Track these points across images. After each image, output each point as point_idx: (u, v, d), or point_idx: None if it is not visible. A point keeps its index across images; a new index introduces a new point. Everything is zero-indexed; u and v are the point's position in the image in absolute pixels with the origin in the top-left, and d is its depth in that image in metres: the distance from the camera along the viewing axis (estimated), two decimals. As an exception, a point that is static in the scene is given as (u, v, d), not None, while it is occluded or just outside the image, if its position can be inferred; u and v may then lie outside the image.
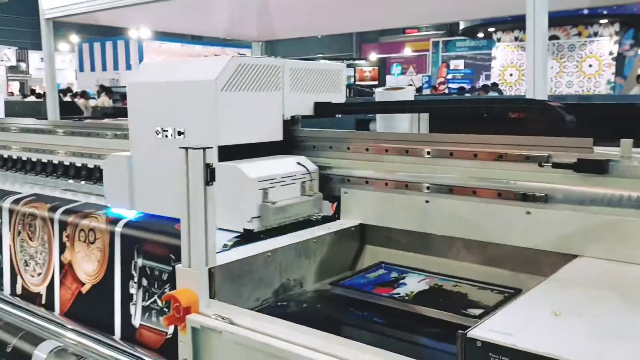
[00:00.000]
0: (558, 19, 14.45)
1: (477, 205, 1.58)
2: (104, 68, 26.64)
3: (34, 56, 30.39)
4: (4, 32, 33.27)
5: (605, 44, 15.37)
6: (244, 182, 1.67)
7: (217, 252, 1.42)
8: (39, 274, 2.22)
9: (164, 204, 1.79)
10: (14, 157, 3.21)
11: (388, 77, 21.82)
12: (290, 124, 1.97)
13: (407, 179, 1.73)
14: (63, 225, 2.09)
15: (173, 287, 1.69)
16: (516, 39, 16.50)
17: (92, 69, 26.80)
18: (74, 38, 28.75)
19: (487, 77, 19.83)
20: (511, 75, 16.58)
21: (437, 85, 18.97)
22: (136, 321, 1.88)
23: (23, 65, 29.75)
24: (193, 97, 1.77)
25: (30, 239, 2.24)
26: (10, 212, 2.31)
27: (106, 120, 4.90)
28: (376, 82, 17.00)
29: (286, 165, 1.83)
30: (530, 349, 0.91)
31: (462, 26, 17.91)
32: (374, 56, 24.04)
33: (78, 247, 2.05)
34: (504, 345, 0.93)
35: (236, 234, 1.72)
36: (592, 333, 0.98)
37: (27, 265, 2.27)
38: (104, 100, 13.95)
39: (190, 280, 1.33)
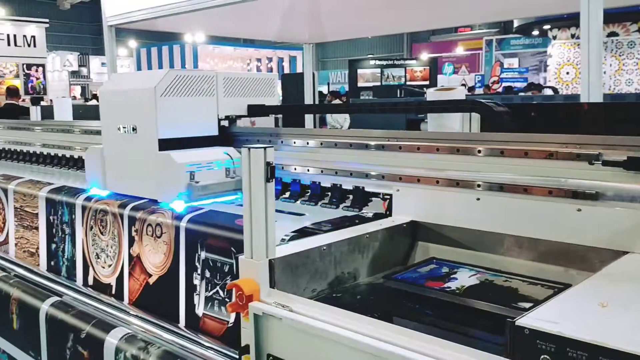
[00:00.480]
0: (616, 15, 13.96)
1: (528, 202, 1.62)
2: (160, 72, 27.48)
3: (94, 61, 31.64)
4: (66, 38, 34.83)
5: (667, 41, 14.77)
6: (174, 166, 2.15)
7: (276, 246, 1.51)
8: (110, 266, 2.38)
9: (128, 184, 2.40)
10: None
11: (440, 77, 21.59)
12: (226, 122, 2.51)
13: (458, 177, 1.78)
14: (132, 221, 2.24)
15: (234, 278, 1.80)
16: (573, 36, 16.03)
17: (150, 73, 27.67)
18: (132, 43, 29.77)
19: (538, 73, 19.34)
20: (567, 73, 16.12)
21: (490, 85, 18.64)
22: (199, 310, 2.00)
23: (84, 70, 30.95)
24: (140, 101, 2.26)
25: (101, 233, 2.41)
26: (84, 208, 2.48)
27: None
28: (427, 82, 16.85)
29: (213, 154, 2.31)
30: (576, 337, 0.95)
31: (516, 24, 17.52)
32: (425, 55, 23.82)
33: (146, 240, 2.19)
34: (551, 333, 0.98)
35: (293, 231, 1.81)
36: (637, 324, 1.01)
37: (98, 258, 2.44)
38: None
39: (252, 271, 1.43)
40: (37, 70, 19.54)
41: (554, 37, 16.54)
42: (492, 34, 25.88)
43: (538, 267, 1.60)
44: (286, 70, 29.79)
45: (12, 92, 8.55)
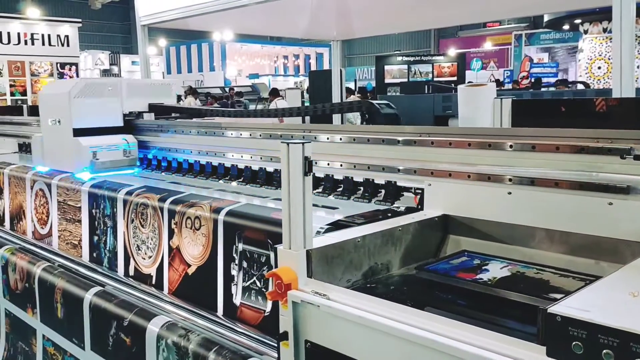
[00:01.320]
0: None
1: (559, 196, 1.64)
2: (190, 70, 27.86)
3: (125, 60, 32.16)
4: (97, 37, 35.46)
5: None
6: (80, 148, 3.06)
7: (313, 237, 1.57)
8: (150, 257, 2.47)
9: (56, 162, 3.28)
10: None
11: (468, 73, 21.39)
12: (128, 116, 3.37)
13: (489, 171, 1.82)
14: (172, 214, 2.33)
15: (270, 269, 1.87)
16: (605, 30, 15.73)
17: (179, 71, 28.09)
18: (162, 42, 30.19)
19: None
20: (599, 68, 15.83)
21: (519, 80, 18.39)
22: (237, 300, 2.08)
23: (115, 69, 31.48)
24: (60, 101, 3.16)
25: (142, 226, 2.50)
26: (125, 202, 2.59)
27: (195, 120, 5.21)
28: (455, 78, 16.73)
29: (114, 140, 3.21)
30: (607, 323, 0.99)
31: (546, 18, 17.26)
32: (452, 51, 23.64)
33: (185, 233, 2.28)
34: (582, 320, 1.01)
35: (327, 223, 1.87)
36: (669, 312, 1.05)
37: (139, 250, 2.54)
38: (190, 101, 14.63)
39: (290, 260, 1.49)
40: (70, 69, 19.97)
41: (585, 32, 16.25)
42: (522, 28, 25.52)
43: (569, 259, 1.63)
44: (312, 67, 29.88)
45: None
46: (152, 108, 3.49)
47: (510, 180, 1.76)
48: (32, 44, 17.97)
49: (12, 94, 17.69)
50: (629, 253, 1.50)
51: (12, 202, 3.55)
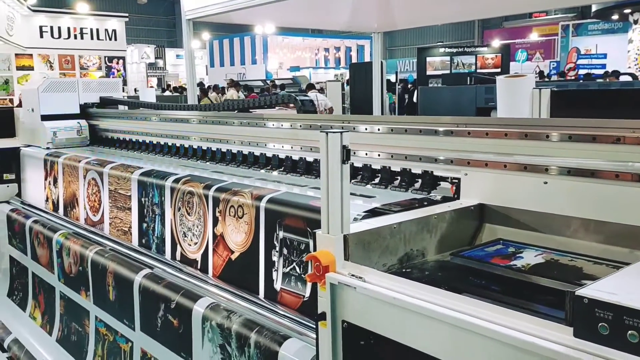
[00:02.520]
0: None
1: (595, 185, 1.66)
2: (232, 63, 28.21)
3: (169, 53, 32.78)
4: (143, 31, 36.27)
5: None
6: (44, 129, 4.28)
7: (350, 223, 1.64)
8: (195, 243, 2.59)
9: (33, 141, 4.51)
10: (169, 143, 3.68)
11: (512, 64, 20.97)
12: (83, 107, 4.64)
13: (526, 161, 1.84)
14: (216, 202, 2.44)
15: (309, 255, 1.95)
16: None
17: (222, 64, 28.49)
18: (205, 35, 30.67)
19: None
20: (650, 58, 15.29)
21: (566, 71, 17.94)
22: (277, 285, 2.17)
23: (160, 62, 32.11)
24: (33, 94, 4.48)
25: (188, 214, 2.62)
26: (172, 190, 2.71)
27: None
28: (499, 70, 16.43)
29: (71, 123, 4.45)
30: (632, 305, 1.02)
31: (594, 8, 16.76)
32: (496, 42, 23.17)
33: (228, 220, 2.38)
34: (609, 302, 1.05)
35: (364, 211, 1.93)
36: (696, 297, 1.07)
37: (185, 236, 2.66)
38: (233, 94, 14.86)
39: (329, 244, 1.56)
40: (117, 63, 20.53)
41: (635, 22, 15.71)
42: (569, 18, 24.82)
43: (603, 248, 1.64)
44: (354, 60, 29.80)
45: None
46: (102, 100, 4.67)
47: (546, 170, 1.78)
48: (82, 38, 18.55)
49: (62, 87, 18.29)
50: (665, 242, 1.51)
51: (65, 190, 3.75)
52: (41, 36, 16.85)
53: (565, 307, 1.12)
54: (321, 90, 17.32)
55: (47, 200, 4.01)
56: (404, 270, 1.70)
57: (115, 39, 20.54)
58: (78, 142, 4.37)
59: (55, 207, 3.88)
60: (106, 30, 19.96)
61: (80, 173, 3.53)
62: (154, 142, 3.85)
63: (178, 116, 3.61)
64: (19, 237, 3.84)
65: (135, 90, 19.32)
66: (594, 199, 1.66)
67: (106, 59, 20.49)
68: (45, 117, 4.30)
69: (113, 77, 20.81)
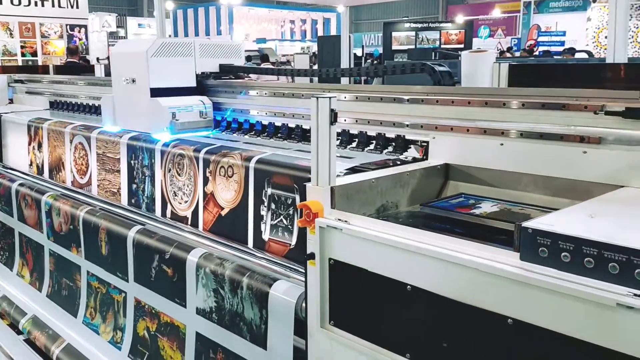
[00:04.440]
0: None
1: (544, 146, 1.95)
2: (197, 33, 27.84)
3: (131, 22, 32.04)
4: (104, -1, 35.29)
5: None
6: (160, 109, 3.03)
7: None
8: (186, 202, 2.81)
9: (130, 122, 3.30)
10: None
11: (475, 40, 21.38)
12: (200, 77, 3.32)
13: (486, 126, 2.12)
14: (206, 163, 2.65)
15: (295, 210, 2.20)
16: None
17: (186, 34, 28.08)
18: (169, 5, 30.08)
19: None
20: (606, 37, 15.89)
21: (527, 48, 18.44)
22: (265, 236, 2.41)
23: (122, 31, 31.37)
24: (138, 60, 3.12)
25: (178, 174, 2.83)
26: (162, 152, 2.91)
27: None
28: (462, 45, 16.82)
29: (191, 100, 3.18)
30: (566, 233, 1.31)
31: (555, -14, 17.22)
32: (460, 18, 23.56)
33: (219, 180, 2.60)
34: (547, 231, 1.33)
35: (346, 169, 2.19)
36: (614, 226, 1.36)
37: (175, 195, 2.87)
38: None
39: (318, 194, 1.81)
40: (79, 31, 20.07)
41: (594, 0, 16.26)
42: (531, -5, 25.34)
43: (549, 199, 1.94)
44: (320, 33, 29.79)
45: (72, 51, 9.06)
46: (223, 69, 3.42)
47: (502, 133, 2.07)
48: (42, 5, 18.05)
49: (22, 55, 17.86)
50: (599, 193, 1.81)
51: (51, 154, 3.88)
52: (0, 2, 16.35)
53: (514, 237, 1.41)
54: (287, 62, 17.47)
55: (30, 164, 4.13)
56: (380, 218, 1.97)
57: (77, 7, 20.02)
58: (202, 126, 3.19)
59: (40, 171, 4.01)
60: (67, -3, 19.45)
61: (67, 138, 3.67)
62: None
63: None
64: (4, 200, 3.96)
65: (97, 59, 18.97)
66: (542, 158, 1.95)
67: (68, 27, 20.00)
68: (157, 92, 3.11)
69: (74, 46, 20.34)
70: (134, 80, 3.16)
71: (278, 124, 3.01)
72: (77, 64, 8.29)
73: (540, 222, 1.39)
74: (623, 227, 1.36)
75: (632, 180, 1.76)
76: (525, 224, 1.38)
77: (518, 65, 2.29)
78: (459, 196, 2.11)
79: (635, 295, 1.17)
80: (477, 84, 2.44)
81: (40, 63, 17.39)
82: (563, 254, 1.31)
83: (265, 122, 3.10)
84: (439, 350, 1.50)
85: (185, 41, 3.22)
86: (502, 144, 2.06)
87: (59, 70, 5.96)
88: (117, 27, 30.45)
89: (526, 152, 2.00)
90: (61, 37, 20.14)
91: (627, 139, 1.78)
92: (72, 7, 19.95)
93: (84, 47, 20.33)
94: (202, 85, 3.33)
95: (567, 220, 1.42)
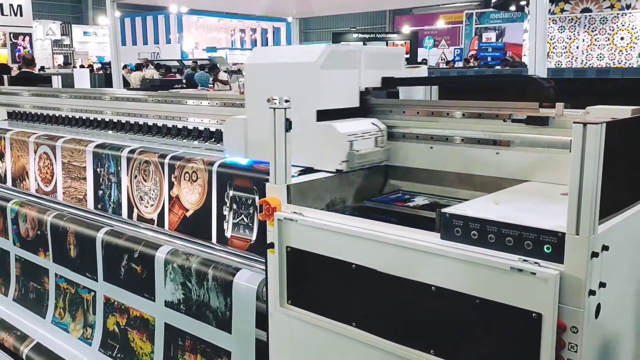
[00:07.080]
0: (589, -8, 14.67)
1: (464, 149, 2.32)
2: (145, 42, 27.71)
3: (76, 30, 31.50)
4: (47, 6, 34.52)
5: (638, 17, 15.54)
6: (336, 136, 2.32)
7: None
8: (152, 205, 3.05)
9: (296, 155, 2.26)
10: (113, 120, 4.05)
11: (420, 50, 22.21)
12: (364, 94, 2.58)
13: (418, 132, 2.47)
14: (172, 169, 2.91)
15: (255, 209, 2.49)
16: (549, 11, 16.71)
17: (134, 42, 27.88)
18: (116, 13, 29.74)
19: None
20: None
21: (468, 58, 19.32)
22: (228, 233, 2.69)
23: (66, 39, 30.80)
24: (299, 74, 2.41)
25: (144, 180, 3.07)
26: (128, 160, 3.14)
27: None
28: (407, 56, 17.47)
29: (364, 124, 2.45)
30: (473, 215, 1.66)
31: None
32: (406, 29, 24.39)
33: (183, 184, 2.87)
34: (460, 215, 1.68)
35: (300, 168, 2.49)
36: (514, 209, 1.72)
37: (142, 200, 3.11)
38: (153, 73, 14.87)
39: (276, 192, 2.11)
40: (24, 39, 19.69)
41: (529, 13, 17.20)
42: (473, 7, 26.48)
43: (470, 193, 2.30)
44: (270, 42, 30.12)
45: (27, 61, 8.98)
46: (384, 82, 2.65)
47: (431, 138, 2.42)
48: (-16, 13, 17.69)
49: (-35, 64, 17.38)
50: (509, 186, 2.18)
51: (14, 164, 4.03)
52: (-59, 10, 15.95)
53: (436, 220, 1.75)
54: (238, 72, 17.69)
55: (-8, 174, 4.25)
56: (330, 211, 2.28)
57: (21, 15, 19.65)
58: (379, 157, 2.47)
59: (3, 180, 4.14)
60: (11, 5, 19.05)
61: (31, 147, 3.84)
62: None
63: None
64: (-34, 208, 4.06)
65: (42, 68, 18.65)
66: (464, 158, 2.32)
67: (11, 35, 19.57)
68: (322, 115, 2.39)
69: (19, 55, 19.89)
70: (287, 100, 2.07)
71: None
72: (32, 74, 8.28)
73: (456, 208, 1.74)
74: (518, 210, 1.73)
75: (534, 176, 2.15)
76: (443, 210, 1.73)
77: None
78: (396, 192, 2.45)
79: (523, 260, 1.53)
80: (412, 96, 2.79)
81: (-17, 72, 16.96)
82: (472, 232, 1.66)
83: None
84: (378, 316, 1.83)
85: (352, 50, 2.54)
86: (431, 147, 2.42)
87: (13, 81, 6.03)
88: (62, 35, 29.90)
89: (451, 154, 2.36)
90: (4, 45, 19.66)
91: (529, 142, 2.16)
92: (15, 14, 19.56)
93: (30, 55, 19.93)
94: (366, 105, 2.59)
95: (477, 207, 1.78)
